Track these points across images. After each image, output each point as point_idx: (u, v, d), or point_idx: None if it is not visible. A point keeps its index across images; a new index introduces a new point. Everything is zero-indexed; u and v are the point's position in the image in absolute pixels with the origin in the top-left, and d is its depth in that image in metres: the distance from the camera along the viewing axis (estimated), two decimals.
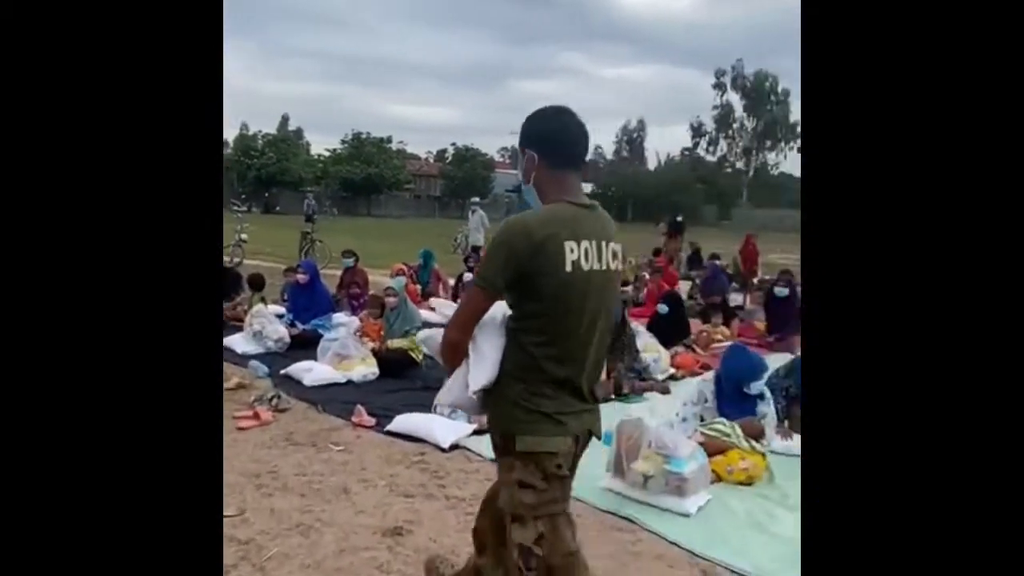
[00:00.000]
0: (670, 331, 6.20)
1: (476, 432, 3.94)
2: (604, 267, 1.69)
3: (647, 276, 9.66)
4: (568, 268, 1.60)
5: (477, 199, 15.95)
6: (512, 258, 1.60)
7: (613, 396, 4.88)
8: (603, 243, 1.69)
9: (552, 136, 1.74)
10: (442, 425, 3.92)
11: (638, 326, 5.69)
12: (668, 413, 4.30)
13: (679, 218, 14.27)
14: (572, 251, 1.61)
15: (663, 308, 6.51)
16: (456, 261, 13.43)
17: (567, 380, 1.68)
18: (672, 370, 5.60)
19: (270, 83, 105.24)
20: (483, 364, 1.72)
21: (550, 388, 1.67)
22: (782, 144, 51.40)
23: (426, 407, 4.30)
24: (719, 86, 51.74)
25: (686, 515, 3.02)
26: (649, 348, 5.48)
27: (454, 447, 3.78)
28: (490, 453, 3.74)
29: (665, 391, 5.15)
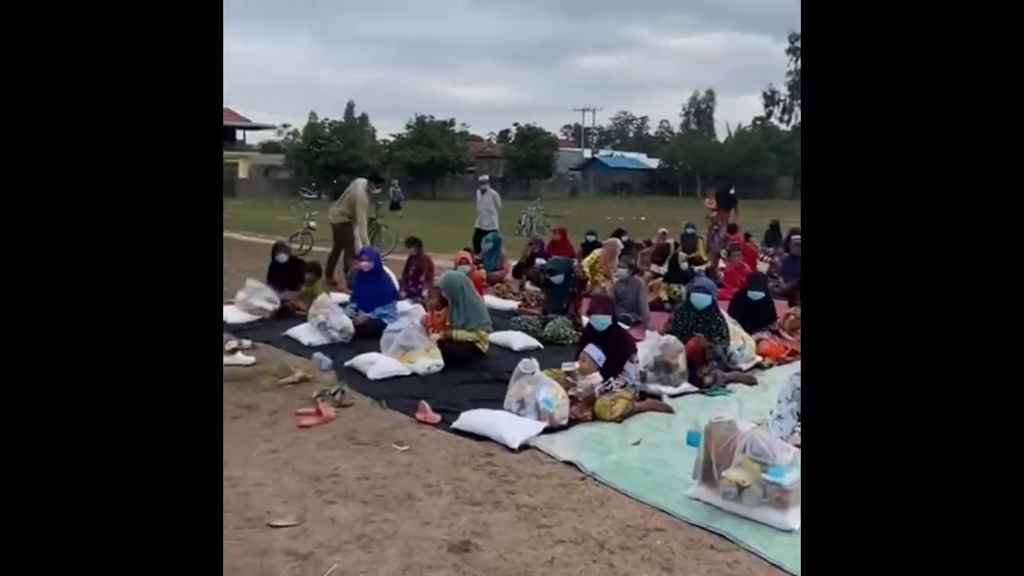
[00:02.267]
0: (755, 316, 5.71)
1: (546, 431, 3.68)
2: None
3: (723, 256, 9.11)
4: None
5: (486, 176, 12.94)
6: None
7: (695, 388, 4.52)
8: None
9: None
10: (510, 423, 3.67)
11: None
12: (759, 409, 3.91)
13: (732, 191, 12.95)
14: None
15: (757, 295, 5.93)
16: (520, 244, 13.19)
17: None
18: (758, 358, 5.17)
19: (335, 72, 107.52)
20: None
21: None
22: None
23: (494, 402, 4.07)
24: (793, 51, 49.04)
25: (788, 531, 2.66)
26: (733, 335, 5.05)
27: (523, 447, 3.52)
28: (562, 454, 3.52)
29: (751, 381, 4.74)
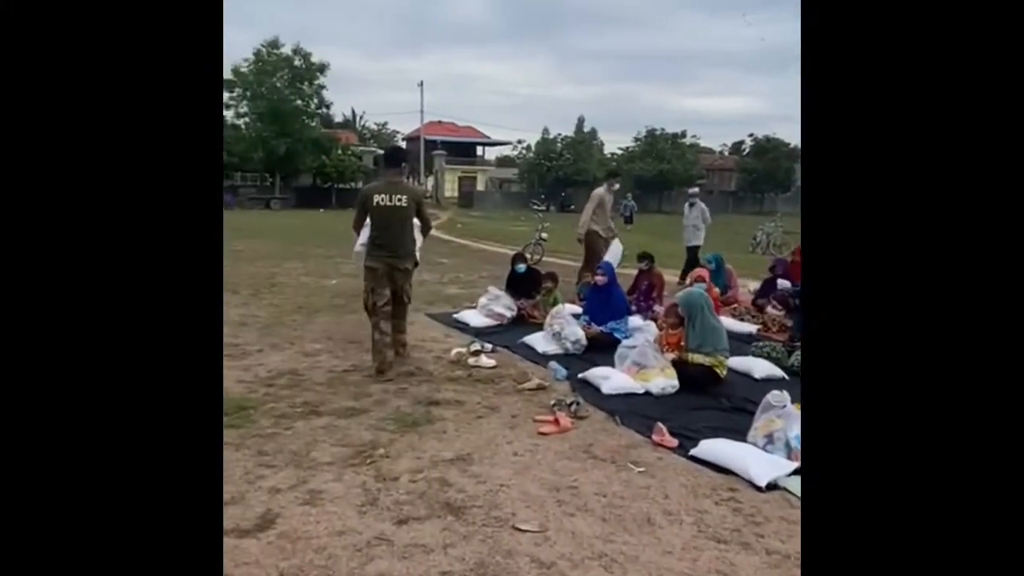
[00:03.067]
0: None
1: (797, 472, 3.35)
2: (394, 204, 4.98)
3: None
4: (375, 204, 4.98)
5: (696, 189, 12.23)
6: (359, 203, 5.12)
7: None
8: (394, 195, 4.99)
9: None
10: (758, 458, 3.41)
11: None
12: None
13: None
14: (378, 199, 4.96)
15: None
16: (756, 262, 12.35)
17: (382, 245, 5.01)
18: None
19: (567, 87, 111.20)
20: (361, 239, 5.15)
21: (374, 248, 5.02)
22: None
23: (735, 432, 3.83)
24: None
25: None
26: None
27: (771, 487, 3.24)
28: None
29: None
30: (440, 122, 52.50)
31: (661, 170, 39.08)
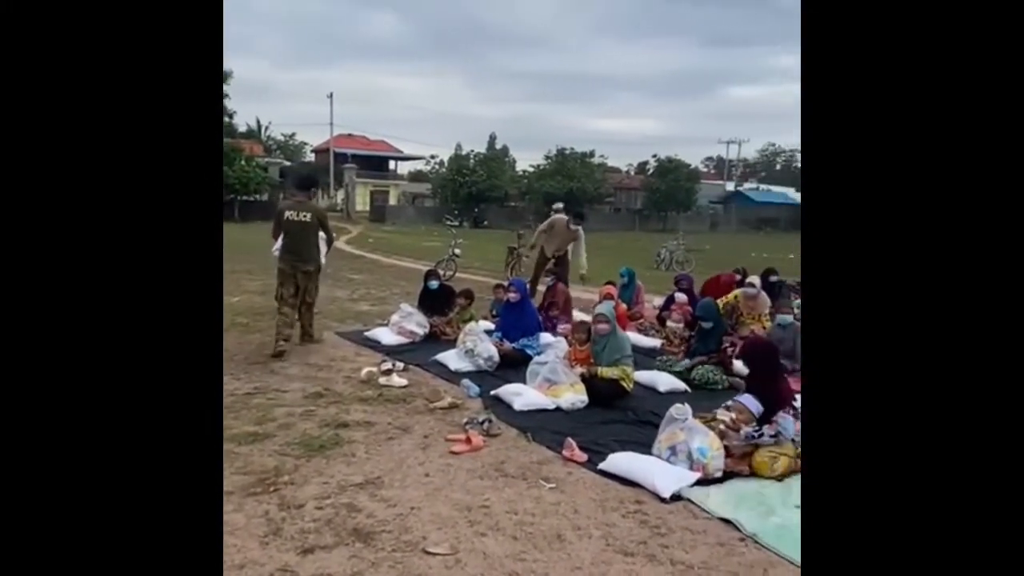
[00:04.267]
0: None
1: (700, 482, 3.50)
2: (301, 219, 6.21)
3: None
4: (286, 218, 6.21)
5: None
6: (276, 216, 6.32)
7: None
8: (301, 212, 6.25)
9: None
10: (663, 471, 3.53)
11: None
12: None
13: None
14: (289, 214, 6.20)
15: None
16: (660, 278, 12.87)
17: (290, 251, 6.25)
18: None
19: (480, 104, 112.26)
20: (277, 245, 6.38)
21: (284, 253, 6.26)
22: None
23: (640, 445, 3.95)
24: None
25: None
26: None
27: (675, 497, 3.37)
28: (718, 510, 3.32)
29: None
30: (351, 135, 51.54)
31: (571, 188, 40.00)
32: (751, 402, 3.93)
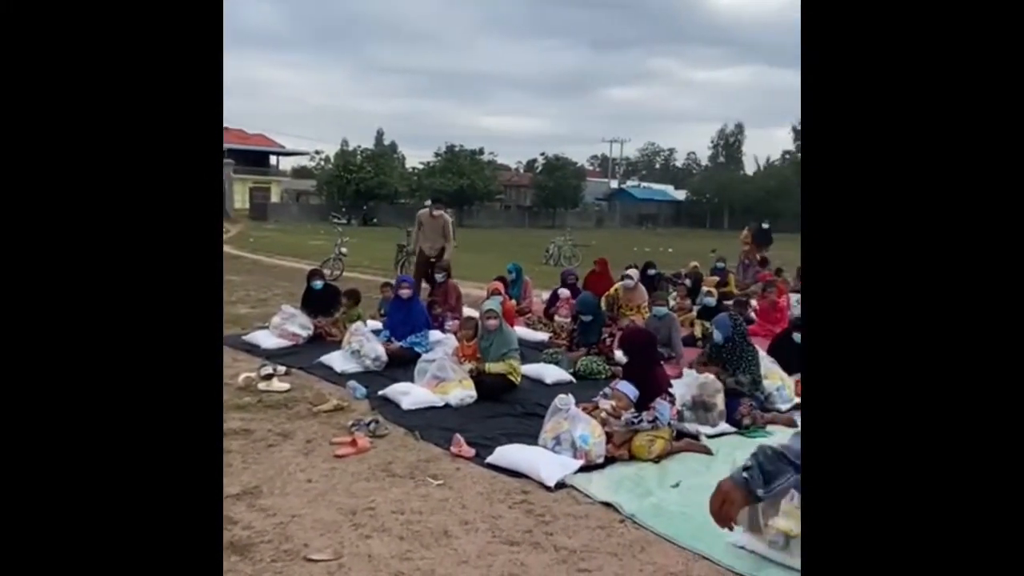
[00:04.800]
0: (796, 358, 5.61)
1: (583, 469, 3.63)
2: None
3: (759, 291, 8.98)
4: None
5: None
6: None
7: (734, 429, 4.43)
8: None
9: None
10: (547, 460, 3.63)
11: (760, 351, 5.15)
12: None
13: (765, 226, 12.62)
14: None
15: (800, 337, 5.87)
16: (548, 273, 13.18)
17: None
18: (797, 399, 5.05)
19: (368, 100, 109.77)
20: None
21: None
22: None
23: (527, 436, 4.03)
24: None
25: None
26: (771, 375, 4.96)
27: (560, 485, 3.47)
28: (599, 494, 3.45)
29: (790, 423, 4.62)
30: (227, 128, 48.74)
31: (461, 185, 40.06)
32: (628, 388, 4.12)
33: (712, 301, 7.76)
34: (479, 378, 5.03)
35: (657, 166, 78.21)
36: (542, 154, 50.30)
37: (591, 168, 61.47)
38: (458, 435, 4.00)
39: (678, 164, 75.03)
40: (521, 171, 59.14)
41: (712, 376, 4.61)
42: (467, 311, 7.38)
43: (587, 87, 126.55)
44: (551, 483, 3.46)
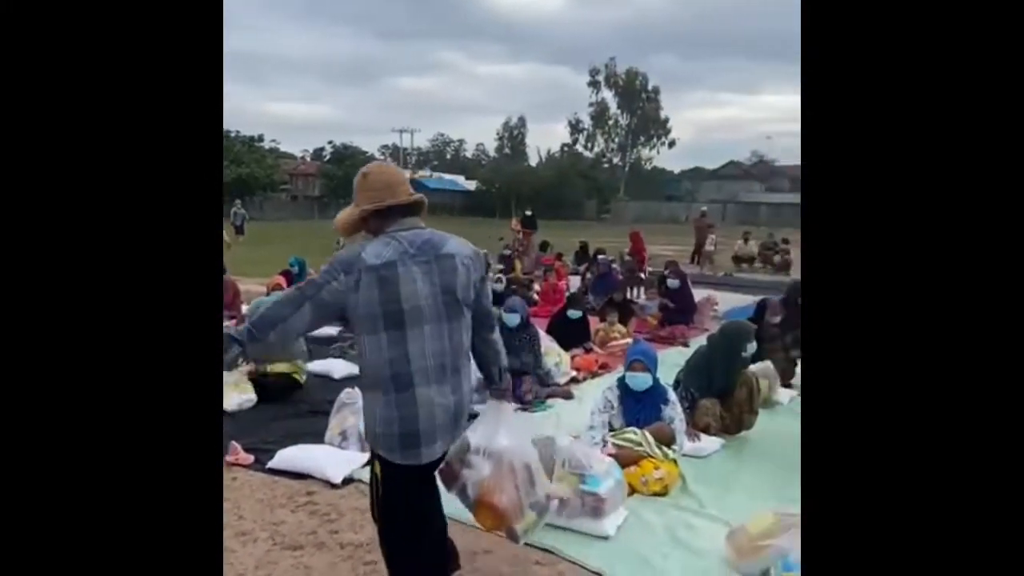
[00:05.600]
0: (574, 334, 6.08)
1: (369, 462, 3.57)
2: None
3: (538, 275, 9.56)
4: None
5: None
6: None
7: (518, 405, 4.67)
8: None
9: None
10: (332, 457, 3.52)
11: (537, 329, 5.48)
12: (575, 422, 4.13)
13: (528, 213, 13.54)
14: None
15: (576, 314, 6.32)
16: None
17: None
18: (573, 372, 5.48)
19: None
20: None
21: None
22: (655, 140, 53.80)
23: (314, 436, 3.87)
24: (593, 84, 53.42)
25: (605, 537, 2.84)
26: (550, 352, 5.31)
27: (347, 481, 3.39)
28: None
29: (568, 396, 5.00)
30: None
31: (240, 175, 37.05)
32: None
33: (500, 287, 8.10)
34: (260, 380, 4.71)
35: (448, 156, 79.40)
36: (330, 143, 48.51)
37: (383, 158, 60.54)
38: (234, 443, 3.72)
39: (468, 155, 76.96)
40: (308, 160, 56.38)
41: None
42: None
43: (375, 76, 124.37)
44: (338, 480, 3.36)
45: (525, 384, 4.81)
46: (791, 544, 2.48)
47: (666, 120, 52.79)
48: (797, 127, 1.31)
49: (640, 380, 3.61)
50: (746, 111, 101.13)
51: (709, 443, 3.92)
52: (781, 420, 4.51)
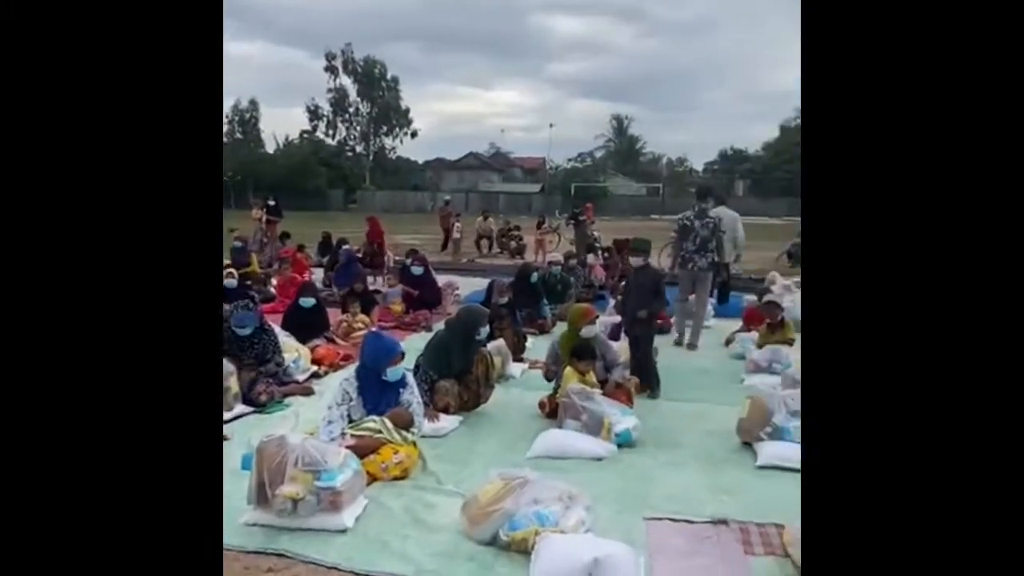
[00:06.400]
0: (309, 323, 5.84)
1: None
2: None
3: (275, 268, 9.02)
4: None
5: None
6: None
7: (252, 408, 4.36)
8: None
9: None
10: None
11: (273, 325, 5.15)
12: (315, 418, 3.99)
13: (272, 202, 12.86)
14: None
15: (308, 301, 6.03)
16: None
17: None
18: (314, 367, 5.28)
19: None
20: None
21: None
22: (397, 129, 53.96)
23: None
24: (331, 69, 51.64)
25: (344, 530, 2.79)
26: (287, 347, 5.04)
27: None
28: None
29: (308, 392, 4.81)
30: None
31: None
32: None
33: (233, 283, 7.45)
34: None
35: None
36: None
37: None
38: None
39: None
40: None
41: (232, 366, 4.40)
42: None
43: None
44: None
45: (259, 386, 4.51)
46: (516, 505, 2.70)
47: (407, 110, 53.24)
48: (526, 122, 1.42)
49: (399, 371, 3.71)
50: (482, 105, 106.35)
51: (448, 422, 4.09)
52: (515, 392, 4.89)
